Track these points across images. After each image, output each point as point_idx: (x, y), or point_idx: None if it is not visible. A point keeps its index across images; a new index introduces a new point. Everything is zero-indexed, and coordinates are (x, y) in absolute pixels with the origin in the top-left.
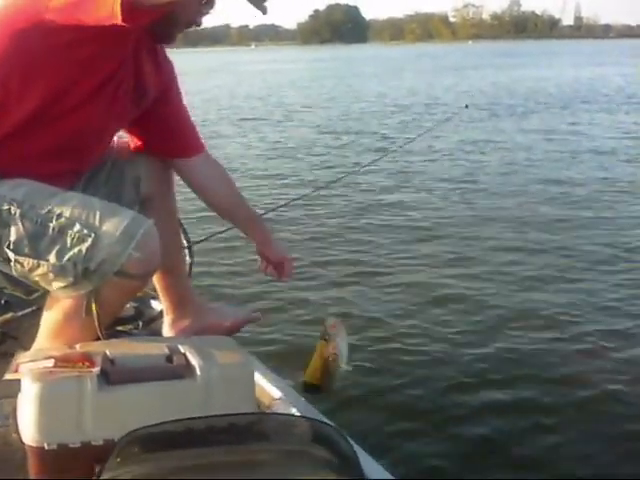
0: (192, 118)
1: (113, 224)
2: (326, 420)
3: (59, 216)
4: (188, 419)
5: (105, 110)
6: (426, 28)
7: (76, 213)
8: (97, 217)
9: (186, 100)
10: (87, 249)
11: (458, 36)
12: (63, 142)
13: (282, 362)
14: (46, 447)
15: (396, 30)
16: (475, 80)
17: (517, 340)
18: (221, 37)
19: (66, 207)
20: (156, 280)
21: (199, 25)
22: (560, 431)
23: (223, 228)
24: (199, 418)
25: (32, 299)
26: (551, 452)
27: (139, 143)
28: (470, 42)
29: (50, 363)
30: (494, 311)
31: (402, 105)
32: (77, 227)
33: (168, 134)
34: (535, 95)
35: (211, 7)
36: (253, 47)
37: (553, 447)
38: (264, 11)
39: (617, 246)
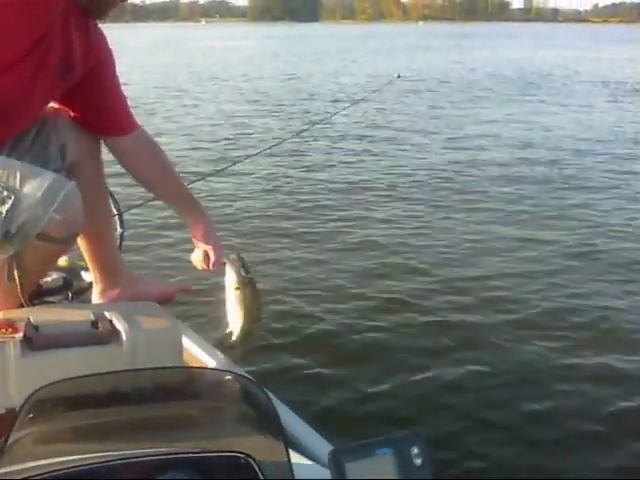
0: (132, 93)
1: (34, 186)
2: (248, 376)
3: None
4: (110, 373)
5: (30, 78)
6: (377, 8)
7: None
8: (17, 179)
9: (133, 75)
10: (7, 211)
11: (409, 17)
12: None
13: (214, 330)
14: None
15: (347, 10)
16: (420, 61)
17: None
18: (170, 12)
19: None
20: (84, 248)
21: None
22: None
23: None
24: (122, 372)
25: None
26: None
27: (65, 111)
28: (420, 23)
29: None
30: (441, 269)
31: (345, 81)
32: None
33: (97, 112)
34: (475, 76)
35: None
36: (203, 23)
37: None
38: None
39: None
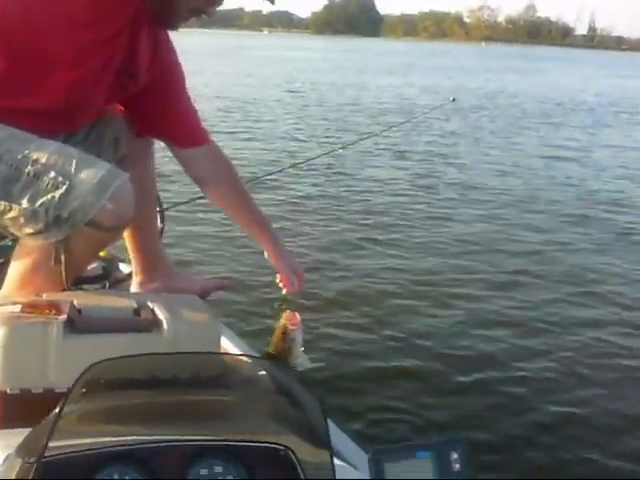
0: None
1: (89, 174)
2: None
3: (35, 161)
4: (161, 354)
5: (97, 76)
6: (440, 26)
7: (52, 160)
8: (73, 165)
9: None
10: (60, 196)
11: (471, 37)
12: (49, 101)
13: (250, 329)
14: (8, 391)
15: (409, 26)
16: (484, 82)
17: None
18: (234, 20)
19: (43, 153)
20: (128, 240)
21: (209, 15)
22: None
23: (196, 195)
24: (174, 354)
25: (1, 246)
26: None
27: (119, 107)
28: (483, 43)
29: (17, 309)
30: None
31: (400, 99)
32: (52, 174)
33: (165, 120)
34: (534, 100)
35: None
36: (266, 33)
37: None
38: (272, 1)
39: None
